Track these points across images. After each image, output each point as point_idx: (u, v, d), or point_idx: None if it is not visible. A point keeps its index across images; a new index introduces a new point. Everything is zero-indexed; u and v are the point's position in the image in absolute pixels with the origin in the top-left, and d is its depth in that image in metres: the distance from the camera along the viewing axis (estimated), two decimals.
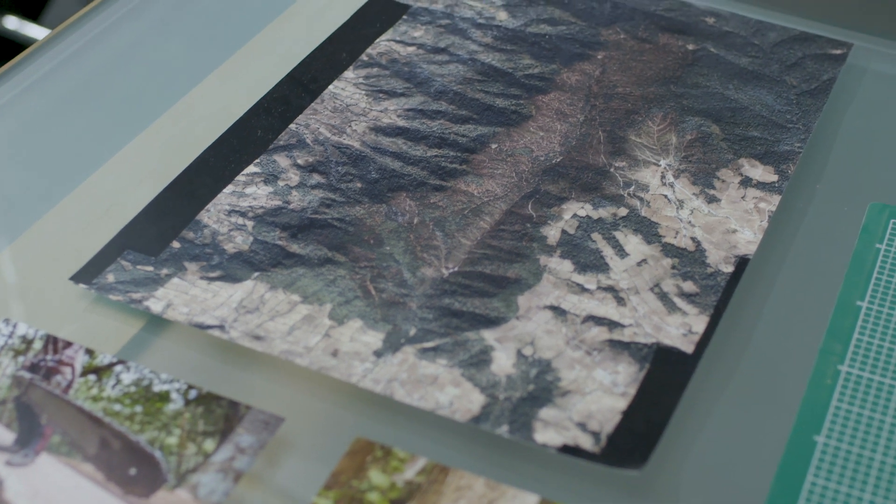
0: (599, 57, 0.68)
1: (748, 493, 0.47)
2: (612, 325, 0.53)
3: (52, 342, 0.52)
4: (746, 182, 0.60)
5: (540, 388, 0.50)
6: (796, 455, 0.48)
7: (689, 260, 0.56)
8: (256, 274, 0.55)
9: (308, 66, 0.66)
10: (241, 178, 0.59)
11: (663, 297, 0.54)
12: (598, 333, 0.52)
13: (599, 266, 0.55)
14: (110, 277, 0.54)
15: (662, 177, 0.60)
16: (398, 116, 0.63)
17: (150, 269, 0.55)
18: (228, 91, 0.66)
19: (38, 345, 0.51)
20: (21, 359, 0.51)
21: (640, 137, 0.62)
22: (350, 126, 0.63)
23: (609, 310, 0.53)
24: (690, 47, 0.68)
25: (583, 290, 0.54)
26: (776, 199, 0.59)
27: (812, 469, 0.48)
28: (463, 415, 0.49)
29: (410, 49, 0.68)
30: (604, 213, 0.58)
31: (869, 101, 0.66)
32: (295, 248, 0.56)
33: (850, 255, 0.57)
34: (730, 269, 0.55)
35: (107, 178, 0.61)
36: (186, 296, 0.53)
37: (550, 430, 0.49)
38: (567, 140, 0.62)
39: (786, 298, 0.55)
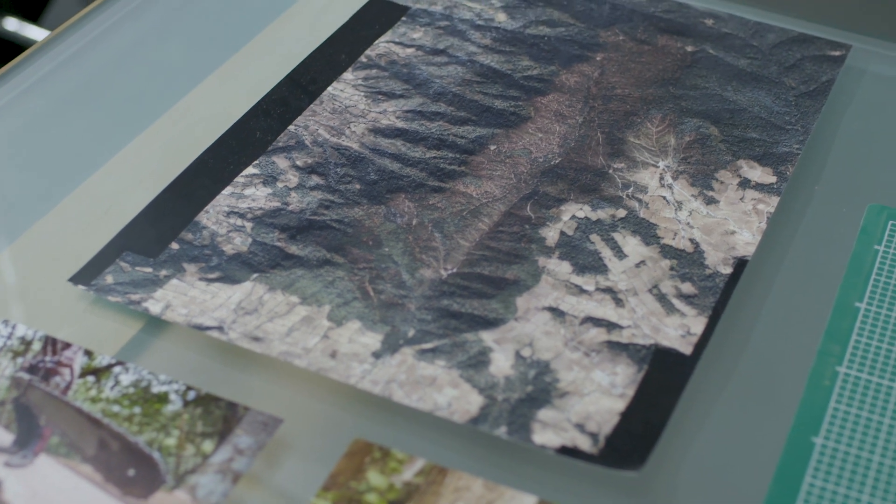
0: (598, 58, 0.68)
1: (746, 495, 0.48)
2: (610, 326, 0.53)
3: (50, 343, 0.52)
4: (745, 183, 0.60)
5: (538, 389, 0.50)
6: (794, 456, 0.48)
7: (687, 261, 0.56)
8: (255, 275, 0.55)
9: (307, 67, 0.66)
10: (239, 179, 0.59)
11: (662, 298, 0.54)
12: (597, 335, 0.52)
13: (598, 267, 0.56)
14: (109, 279, 0.54)
15: (661, 178, 0.60)
16: (397, 118, 0.63)
17: (149, 270, 0.55)
18: (227, 93, 0.66)
19: (36, 346, 0.51)
20: (20, 360, 0.51)
21: (638, 139, 0.62)
22: (349, 127, 0.63)
23: (607, 311, 0.53)
24: (689, 49, 0.68)
25: (581, 291, 0.54)
26: (775, 200, 0.59)
27: (810, 470, 0.48)
28: (461, 416, 0.49)
29: (409, 50, 0.68)
30: (602, 214, 0.58)
31: (868, 102, 0.66)
32: (294, 249, 0.56)
33: (848, 256, 0.57)
34: (728, 270, 0.55)
35: (106, 180, 0.61)
36: (185, 297, 0.53)
37: (549, 431, 0.49)
38: (566, 141, 0.62)
39: (784, 300, 0.55)
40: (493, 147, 0.62)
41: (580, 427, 0.49)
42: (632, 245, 0.57)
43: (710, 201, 0.59)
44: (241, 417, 0.49)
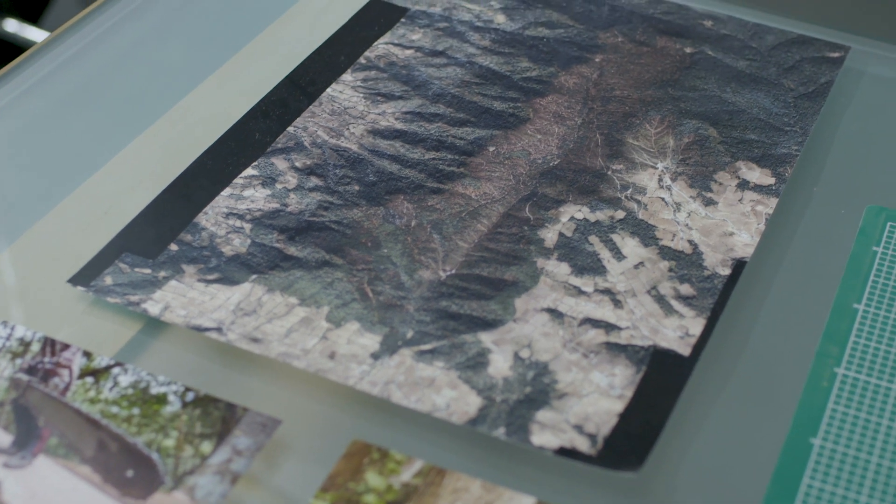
0: (597, 60, 0.68)
1: (744, 496, 0.48)
2: (608, 327, 0.53)
3: (49, 344, 0.52)
4: (743, 185, 0.60)
5: (537, 390, 0.50)
6: (792, 457, 0.48)
7: (686, 262, 0.56)
8: (254, 276, 0.55)
9: (306, 69, 0.67)
10: (238, 180, 0.60)
11: (660, 299, 0.54)
12: (595, 336, 0.52)
13: (596, 269, 0.56)
14: (108, 280, 0.54)
15: (660, 179, 0.60)
16: (396, 119, 0.63)
17: (148, 271, 0.55)
18: (226, 94, 0.66)
19: (35, 347, 0.52)
20: (19, 361, 0.51)
21: (637, 140, 0.62)
22: (348, 129, 0.63)
23: (606, 312, 0.54)
24: (688, 50, 0.68)
25: (580, 292, 0.54)
26: (773, 201, 0.59)
27: (808, 471, 0.48)
28: (460, 417, 0.49)
29: (408, 52, 0.68)
30: (601, 215, 0.58)
31: (866, 104, 0.66)
32: (292, 250, 0.56)
33: (846, 257, 0.57)
34: (727, 271, 0.56)
35: (105, 181, 0.61)
36: (184, 298, 0.53)
37: (547, 432, 0.49)
38: (564, 143, 0.62)
39: (782, 301, 0.55)
40: (491, 148, 0.62)
41: (578, 428, 0.49)
42: (630, 246, 0.57)
43: (709, 203, 0.59)
44: (240, 418, 0.49)
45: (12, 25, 1.26)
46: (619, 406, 0.50)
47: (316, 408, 0.51)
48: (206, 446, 0.48)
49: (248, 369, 0.52)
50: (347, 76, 0.66)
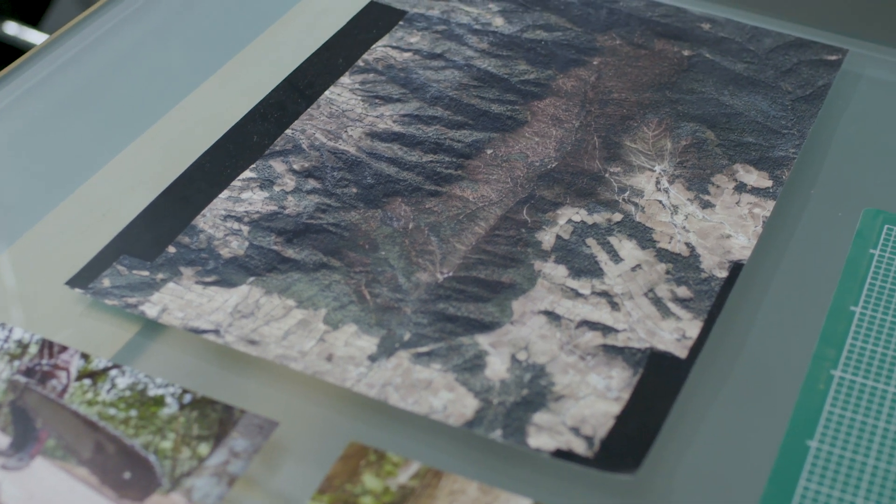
0: (595, 63, 0.68)
1: (741, 498, 0.48)
2: (605, 329, 0.53)
3: (47, 346, 0.52)
4: (741, 187, 0.60)
5: (534, 392, 0.50)
6: (789, 459, 0.48)
7: (683, 265, 0.56)
8: (252, 279, 0.55)
9: (304, 71, 0.67)
10: (237, 183, 0.60)
11: (657, 302, 0.54)
12: (592, 338, 0.53)
13: (594, 271, 0.56)
14: (106, 282, 0.54)
15: (657, 182, 0.60)
16: (394, 122, 0.63)
17: (146, 273, 0.55)
18: (225, 96, 0.66)
19: (33, 349, 0.52)
20: (16, 363, 0.51)
21: (635, 143, 0.63)
22: (346, 131, 0.63)
23: (603, 315, 0.54)
24: (686, 53, 0.69)
25: (577, 295, 0.54)
26: (770, 204, 0.59)
27: (805, 474, 0.48)
28: (457, 419, 0.49)
29: (406, 55, 0.68)
30: (598, 218, 0.58)
31: (864, 106, 0.66)
32: (290, 252, 0.56)
33: (844, 260, 0.57)
34: (724, 274, 0.56)
35: (103, 183, 0.61)
36: (182, 300, 0.53)
37: (544, 434, 0.49)
38: (562, 145, 0.62)
39: (779, 303, 0.55)
40: (489, 151, 0.62)
41: (575, 430, 0.49)
42: (628, 249, 0.57)
43: (706, 205, 0.59)
44: (237, 420, 0.49)
45: (12, 28, 1.26)
46: (615, 408, 0.50)
47: (313, 410, 0.51)
48: (204, 448, 0.48)
49: (246, 371, 0.52)
50: (345, 79, 0.66)
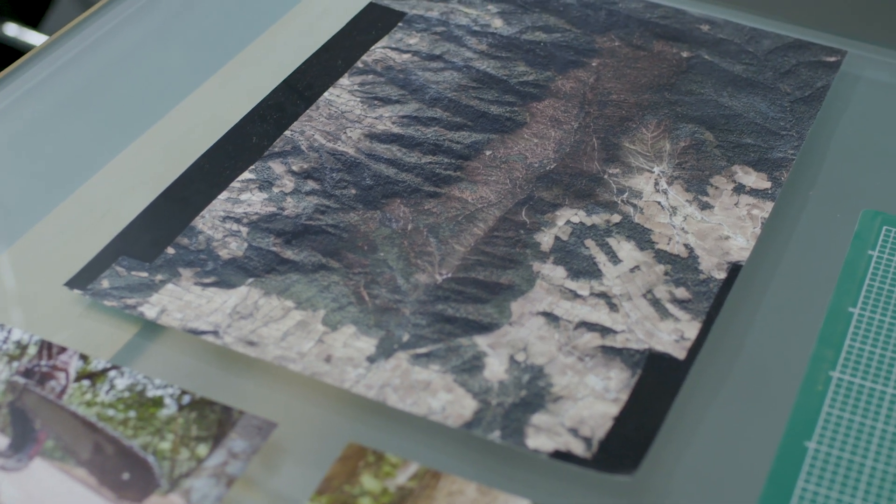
0: (594, 64, 0.68)
1: (739, 499, 0.48)
2: (604, 331, 0.53)
3: (46, 347, 0.52)
4: (739, 189, 0.60)
5: (532, 393, 0.50)
6: (787, 461, 0.48)
7: (681, 266, 0.56)
8: (250, 280, 0.55)
9: (303, 73, 0.67)
10: (235, 184, 0.60)
11: (656, 303, 0.54)
12: (591, 339, 0.53)
13: (592, 272, 0.56)
14: (105, 283, 0.54)
15: (656, 183, 0.60)
16: (393, 123, 0.63)
17: (145, 274, 0.55)
18: (224, 98, 0.66)
19: (32, 350, 0.52)
20: (15, 364, 0.51)
21: (633, 144, 0.63)
22: (345, 133, 0.63)
23: (601, 316, 0.54)
24: (685, 54, 0.69)
25: (575, 296, 0.55)
26: (769, 205, 0.59)
27: (803, 475, 0.48)
28: (455, 420, 0.49)
29: (405, 56, 0.68)
30: (597, 219, 0.58)
31: (862, 108, 0.66)
32: (289, 254, 0.56)
33: (842, 261, 0.57)
34: (722, 275, 0.56)
35: (102, 184, 0.61)
36: (180, 301, 0.54)
37: (542, 435, 0.49)
38: (561, 147, 0.62)
39: (778, 305, 0.55)
40: (488, 152, 0.62)
41: (574, 431, 0.49)
42: (626, 250, 0.57)
43: (705, 206, 0.59)
44: (236, 421, 0.49)
45: (12, 30, 1.26)
46: (614, 409, 0.50)
47: (312, 411, 0.51)
48: (202, 449, 0.48)
49: (245, 372, 0.52)
50: (345, 80, 0.66)
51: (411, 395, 0.50)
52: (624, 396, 0.50)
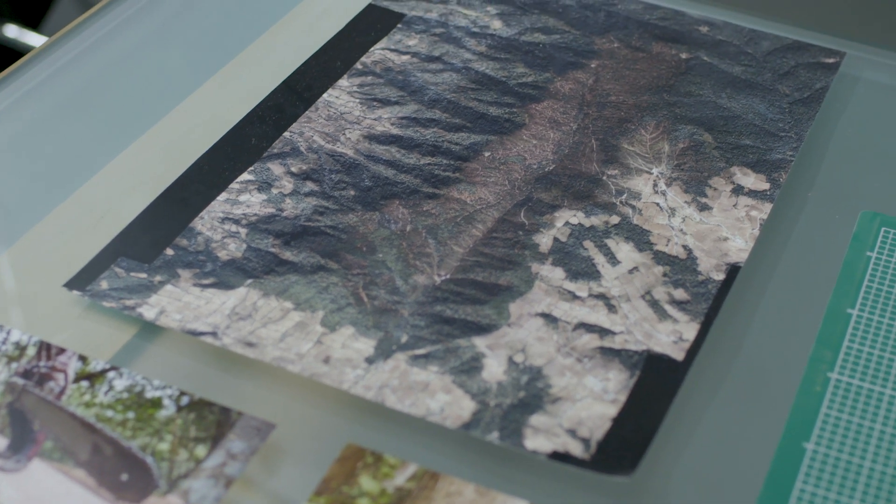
0: (593, 65, 0.68)
1: (737, 500, 0.48)
2: (602, 332, 0.53)
3: (45, 348, 0.52)
4: (738, 190, 0.60)
5: (531, 394, 0.50)
6: (786, 462, 0.49)
7: (680, 267, 0.56)
8: (249, 281, 0.55)
9: (302, 74, 0.67)
10: (234, 185, 0.60)
11: (654, 304, 0.54)
12: (589, 340, 0.53)
13: (591, 274, 0.56)
14: (104, 284, 0.54)
15: (654, 185, 0.60)
16: (392, 125, 0.64)
17: (144, 276, 0.55)
18: (223, 99, 0.66)
19: (31, 351, 0.52)
20: (14, 365, 0.51)
21: (632, 146, 0.63)
22: (344, 134, 0.63)
23: (600, 317, 0.54)
24: (684, 56, 0.69)
25: (574, 297, 0.55)
26: (768, 207, 0.59)
27: (801, 476, 0.48)
28: (454, 421, 0.49)
29: (405, 57, 0.68)
30: (596, 220, 0.58)
31: (861, 109, 0.66)
32: (288, 255, 0.56)
33: (840, 262, 0.57)
34: (721, 276, 0.56)
35: (101, 186, 0.61)
36: (179, 303, 0.54)
37: (541, 436, 0.49)
38: (560, 148, 0.63)
39: (776, 306, 0.55)
40: (487, 154, 0.62)
41: (572, 432, 0.49)
42: (625, 251, 0.57)
43: (704, 208, 0.59)
44: (235, 422, 0.49)
45: (12, 31, 1.26)
46: (612, 410, 0.50)
47: (310, 412, 0.51)
48: (201, 450, 0.48)
49: (243, 373, 0.52)
50: (344, 81, 0.66)
51: (410, 396, 0.50)
52: (622, 397, 0.50)
